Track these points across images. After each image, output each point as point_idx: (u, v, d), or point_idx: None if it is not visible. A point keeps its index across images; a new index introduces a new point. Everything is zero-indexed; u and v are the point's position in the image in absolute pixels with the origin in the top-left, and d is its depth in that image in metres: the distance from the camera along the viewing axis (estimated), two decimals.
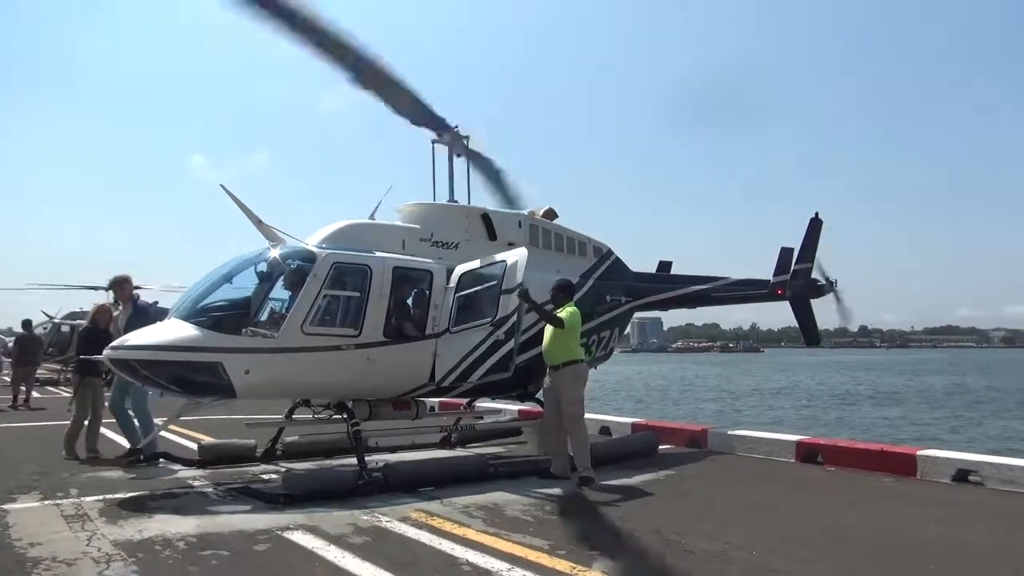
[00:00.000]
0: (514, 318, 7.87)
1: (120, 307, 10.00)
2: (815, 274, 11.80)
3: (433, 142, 9.60)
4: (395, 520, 6.26)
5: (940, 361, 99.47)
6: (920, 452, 8.25)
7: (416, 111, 8.78)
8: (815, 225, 11.77)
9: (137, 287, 34.75)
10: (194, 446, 9.69)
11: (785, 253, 11.68)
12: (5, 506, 6.81)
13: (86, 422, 9.79)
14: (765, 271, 11.81)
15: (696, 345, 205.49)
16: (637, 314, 11.85)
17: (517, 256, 8.10)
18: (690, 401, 39.24)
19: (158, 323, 7.82)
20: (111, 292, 10.29)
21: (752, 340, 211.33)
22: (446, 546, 5.51)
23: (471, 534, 5.82)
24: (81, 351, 10.04)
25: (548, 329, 8.16)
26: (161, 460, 9.05)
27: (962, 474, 7.74)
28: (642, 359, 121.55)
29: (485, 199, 9.82)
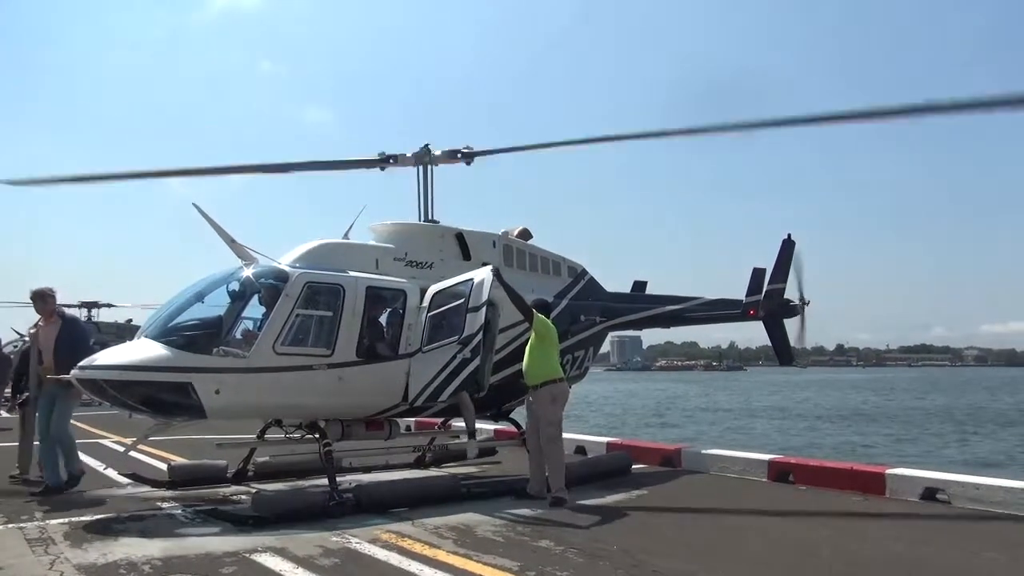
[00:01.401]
0: (480, 336, 7.89)
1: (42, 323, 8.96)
2: (795, 294, 11.93)
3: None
4: (364, 541, 6.22)
5: (922, 380, 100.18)
6: (889, 471, 8.34)
7: None
8: (787, 246, 11.92)
9: (108, 304, 33.78)
10: (164, 467, 9.56)
11: (757, 274, 11.81)
12: None
13: (36, 441, 9.25)
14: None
15: (680, 364, 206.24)
16: (617, 333, 11.92)
17: (484, 274, 8.16)
18: (675, 418, 39.49)
19: (128, 342, 7.75)
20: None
21: (732, 359, 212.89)
22: (415, 567, 5.48)
23: (441, 555, 5.80)
24: (17, 371, 9.60)
25: (526, 349, 8.19)
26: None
27: (930, 492, 7.82)
28: (626, 377, 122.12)
29: (454, 217, 9.89)
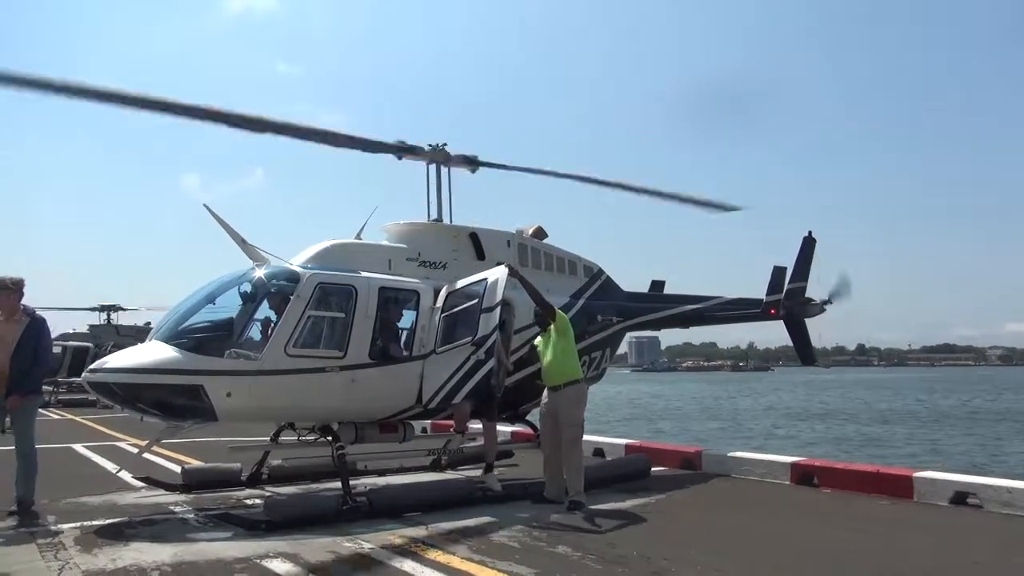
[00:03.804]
0: (494, 336, 7.74)
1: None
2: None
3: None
4: (378, 547, 6.08)
5: (957, 380, 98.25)
6: (917, 474, 8.10)
7: None
8: (808, 244, 11.71)
9: (132, 308, 33.94)
10: (178, 469, 9.49)
11: (778, 272, 11.59)
12: None
13: None
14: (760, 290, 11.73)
15: (706, 364, 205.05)
16: (635, 333, 11.73)
17: (498, 273, 8.01)
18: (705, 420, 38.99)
19: (139, 344, 7.67)
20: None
21: (755, 359, 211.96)
22: (429, 574, 5.35)
23: (455, 561, 5.66)
24: None
25: (547, 348, 8.02)
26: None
27: (960, 496, 7.58)
28: (658, 379, 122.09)
29: (468, 217, 9.72)
